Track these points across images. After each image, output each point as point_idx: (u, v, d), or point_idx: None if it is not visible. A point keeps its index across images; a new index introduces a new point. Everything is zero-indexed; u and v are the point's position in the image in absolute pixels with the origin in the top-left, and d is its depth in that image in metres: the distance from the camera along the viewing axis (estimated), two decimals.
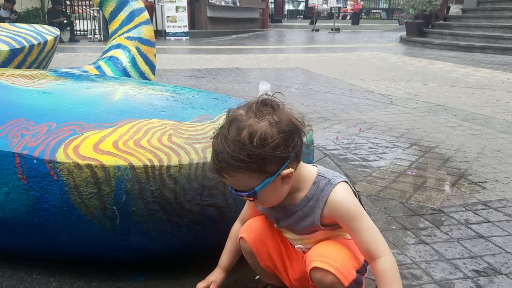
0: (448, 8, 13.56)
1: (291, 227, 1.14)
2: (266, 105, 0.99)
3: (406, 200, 2.03)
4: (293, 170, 1.02)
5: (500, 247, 1.63)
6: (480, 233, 1.73)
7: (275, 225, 1.19)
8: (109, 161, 1.25)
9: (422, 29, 12.19)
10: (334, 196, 1.05)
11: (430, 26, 12.36)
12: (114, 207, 1.27)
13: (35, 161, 1.27)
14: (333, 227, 1.11)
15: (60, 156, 1.26)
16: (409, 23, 12.65)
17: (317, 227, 1.09)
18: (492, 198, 2.06)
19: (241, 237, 1.20)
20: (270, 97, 1.02)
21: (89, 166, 1.24)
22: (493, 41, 9.73)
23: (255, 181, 0.99)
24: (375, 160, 2.59)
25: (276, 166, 0.99)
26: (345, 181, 1.10)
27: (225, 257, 1.29)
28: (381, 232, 1.70)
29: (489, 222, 1.83)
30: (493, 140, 2.99)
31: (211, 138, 1.02)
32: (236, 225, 1.29)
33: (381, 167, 2.48)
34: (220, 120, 1.50)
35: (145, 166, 1.25)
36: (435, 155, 2.68)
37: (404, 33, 12.97)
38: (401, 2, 13.19)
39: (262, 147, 0.95)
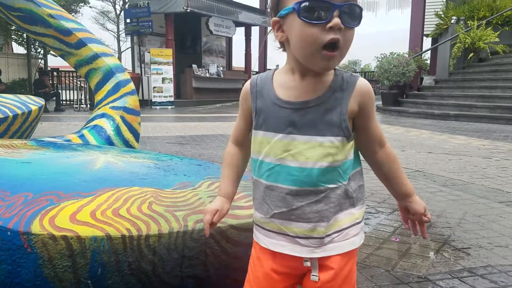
0: (421, 79, 14.27)
1: (307, 127, 0.97)
2: None
3: (391, 268, 2.00)
4: None
5: None
6: None
7: (280, 135, 0.98)
8: (86, 232, 1.21)
9: (397, 99, 12.70)
10: (361, 83, 1.00)
11: (405, 96, 12.90)
12: (89, 281, 1.22)
13: (9, 233, 1.22)
14: (349, 138, 0.99)
15: (35, 228, 1.22)
16: (385, 93, 13.16)
17: (343, 120, 0.97)
18: (477, 265, 2.04)
19: None
20: None
21: (64, 237, 1.20)
22: (467, 109, 10.17)
23: None
24: None
25: None
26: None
27: (224, 185, 1.12)
28: None
29: None
30: (474, 206, 3.03)
31: None
32: (229, 147, 1.14)
33: (365, 233, 2.45)
34: (202, 186, 1.50)
35: (123, 236, 1.22)
36: None
37: (380, 103, 13.46)
38: (376, 74, 13.78)
39: None
